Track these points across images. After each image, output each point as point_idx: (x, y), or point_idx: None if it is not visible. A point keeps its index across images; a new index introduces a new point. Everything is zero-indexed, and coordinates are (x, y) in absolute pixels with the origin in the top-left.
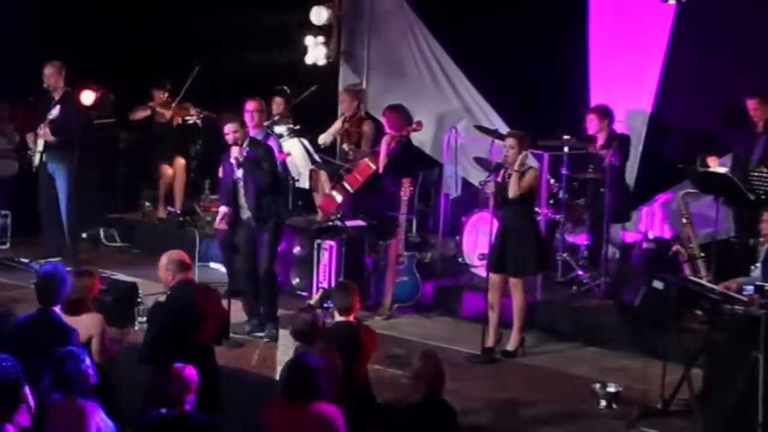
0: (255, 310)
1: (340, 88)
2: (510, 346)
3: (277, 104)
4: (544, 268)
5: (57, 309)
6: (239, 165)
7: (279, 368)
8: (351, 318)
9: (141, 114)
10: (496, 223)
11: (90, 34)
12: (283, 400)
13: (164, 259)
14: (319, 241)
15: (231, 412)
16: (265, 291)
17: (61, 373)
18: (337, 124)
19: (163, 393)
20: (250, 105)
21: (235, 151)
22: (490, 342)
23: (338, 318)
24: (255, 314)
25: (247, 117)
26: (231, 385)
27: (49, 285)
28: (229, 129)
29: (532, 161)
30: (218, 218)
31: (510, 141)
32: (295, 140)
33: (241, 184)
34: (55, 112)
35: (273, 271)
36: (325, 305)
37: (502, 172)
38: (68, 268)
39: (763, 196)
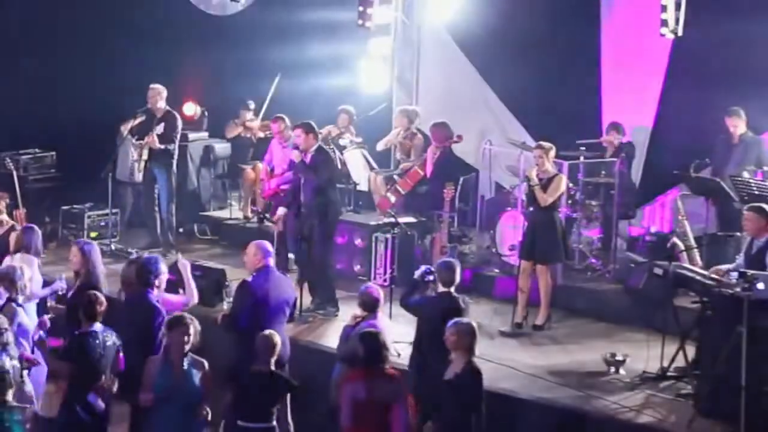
0: (314, 292)
1: (394, 107)
2: (539, 321)
3: (342, 120)
4: (567, 258)
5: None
6: (294, 166)
7: (334, 340)
8: (452, 290)
9: (233, 132)
10: (523, 220)
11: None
12: (360, 369)
13: (253, 248)
14: (376, 234)
15: (300, 376)
16: (321, 278)
17: None
18: (392, 135)
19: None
20: (297, 131)
21: (294, 154)
22: (518, 318)
23: (441, 289)
24: (314, 296)
25: (297, 141)
26: (302, 354)
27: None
28: (297, 133)
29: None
30: (275, 217)
31: (537, 151)
32: (357, 151)
33: (302, 182)
34: (159, 128)
35: (326, 261)
36: (425, 279)
37: (524, 185)
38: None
39: (746, 198)
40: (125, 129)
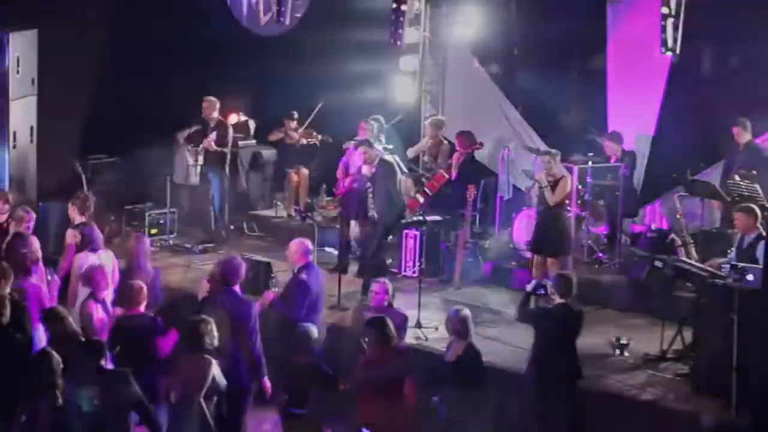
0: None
1: (422, 118)
2: None
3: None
4: (568, 253)
5: (236, 289)
6: (370, 179)
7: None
8: (568, 301)
9: (275, 136)
10: (534, 217)
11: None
12: (375, 347)
13: (296, 245)
14: (406, 231)
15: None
16: (370, 267)
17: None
18: (422, 144)
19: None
20: (362, 125)
21: (365, 169)
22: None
23: (558, 301)
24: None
25: (361, 133)
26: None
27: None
28: (360, 152)
29: (564, 171)
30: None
31: (546, 157)
32: (389, 156)
33: (371, 190)
34: (212, 136)
35: (377, 253)
36: (537, 292)
37: (536, 186)
38: (222, 252)
39: (737, 198)
40: (182, 137)
